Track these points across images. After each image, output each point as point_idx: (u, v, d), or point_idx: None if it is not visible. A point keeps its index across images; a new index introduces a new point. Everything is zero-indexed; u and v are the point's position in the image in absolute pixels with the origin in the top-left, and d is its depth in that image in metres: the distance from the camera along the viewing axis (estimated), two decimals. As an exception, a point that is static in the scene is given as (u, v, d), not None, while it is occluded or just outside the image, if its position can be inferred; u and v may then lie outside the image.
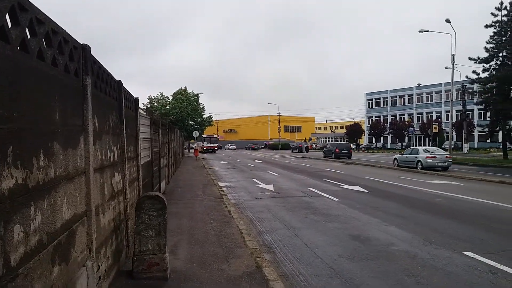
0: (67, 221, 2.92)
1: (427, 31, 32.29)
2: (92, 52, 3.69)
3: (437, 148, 28.96)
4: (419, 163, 23.86)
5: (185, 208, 10.64)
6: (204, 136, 61.35)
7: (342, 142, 57.79)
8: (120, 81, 5.41)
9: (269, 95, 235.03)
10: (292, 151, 69.33)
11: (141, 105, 9.07)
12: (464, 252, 6.64)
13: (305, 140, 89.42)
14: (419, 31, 32.47)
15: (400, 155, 27.42)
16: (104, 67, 4.44)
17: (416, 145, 66.58)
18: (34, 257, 2.29)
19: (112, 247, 4.71)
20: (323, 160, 37.71)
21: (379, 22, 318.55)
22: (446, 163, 23.46)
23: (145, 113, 9.60)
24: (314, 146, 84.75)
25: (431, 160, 23.40)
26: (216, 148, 64.58)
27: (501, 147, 32.45)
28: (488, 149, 55.32)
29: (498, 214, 10.00)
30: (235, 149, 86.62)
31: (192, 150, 55.51)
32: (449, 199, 12.58)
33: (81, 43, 3.43)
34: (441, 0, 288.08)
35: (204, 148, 60.79)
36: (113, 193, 4.80)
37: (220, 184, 17.01)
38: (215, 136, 68.80)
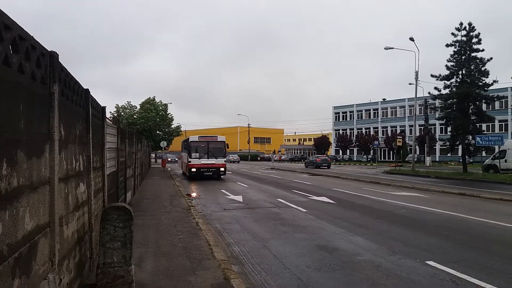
0: (29, 232, 2.82)
1: (392, 48, 33.50)
2: (60, 60, 3.63)
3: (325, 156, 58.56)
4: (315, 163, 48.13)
5: (152, 219, 10.45)
6: (192, 138, 27.52)
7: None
8: (87, 89, 5.31)
9: (239, 107, 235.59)
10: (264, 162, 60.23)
11: (108, 114, 8.96)
12: (427, 262, 6.86)
13: (274, 152, 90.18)
14: (385, 48, 33.66)
15: (307, 161, 52.44)
16: (72, 75, 4.36)
17: (380, 158, 69.31)
18: (-6, 269, 2.20)
19: (76, 259, 4.57)
20: (291, 172, 38.04)
21: (346, 39, 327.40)
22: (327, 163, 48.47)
23: (112, 123, 9.43)
24: (283, 157, 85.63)
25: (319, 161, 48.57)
26: (223, 169, 26.79)
27: (461, 160, 33.78)
28: (449, 162, 57.49)
29: (457, 225, 10.39)
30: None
31: (159, 161, 54.51)
32: (412, 210, 12.97)
33: (49, 50, 3.36)
34: (406, 19, 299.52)
35: (193, 170, 26.02)
36: (77, 203, 4.67)
37: (188, 195, 16.84)
38: (220, 138, 27.77)
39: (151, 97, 51.56)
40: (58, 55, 3.53)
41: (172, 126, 53.13)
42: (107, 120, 7.77)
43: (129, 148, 12.81)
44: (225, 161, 27.14)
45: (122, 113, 50.29)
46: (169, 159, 65.33)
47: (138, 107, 51.74)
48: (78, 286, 4.73)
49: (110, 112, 48.55)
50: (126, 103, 53.33)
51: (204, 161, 26.05)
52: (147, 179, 25.72)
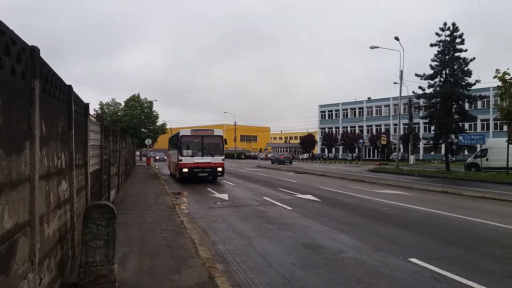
0: (8, 231, 2.76)
1: (378, 47, 33.78)
2: (41, 55, 3.55)
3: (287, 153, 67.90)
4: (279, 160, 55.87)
5: (136, 218, 10.35)
6: (183, 132, 22.65)
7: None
8: (70, 85, 5.22)
9: (225, 105, 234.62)
10: None
11: (91, 111, 8.85)
12: (409, 259, 6.94)
13: (260, 150, 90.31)
14: (370, 47, 33.92)
15: (273, 158, 60.39)
16: (54, 70, 4.28)
17: (365, 157, 69.99)
18: (-30, 269, 2.14)
19: (57, 258, 4.49)
20: (277, 170, 38.13)
21: (333, 38, 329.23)
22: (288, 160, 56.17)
23: (95, 119, 9.30)
24: (269, 155, 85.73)
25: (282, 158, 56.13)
26: (220, 169, 22.49)
27: (444, 159, 34.28)
28: (432, 161, 58.32)
29: (440, 222, 10.55)
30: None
31: (144, 159, 53.90)
32: (396, 208, 13.12)
33: (30, 44, 3.29)
34: (391, 19, 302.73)
35: (185, 171, 21.77)
36: (59, 202, 4.59)
37: (173, 193, 16.73)
38: (217, 132, 23.20)
39: (136, 94, 51.09)
40: (39, 49, 3.46)
41: (158, 124, 52.71)
42: (90, 117, 7.66)
43: (113, 145, 12.66)
44: (223, 160, 22.55)
45: (106, 110, 49.67)
46: (157, 157, 62.18)
47: (123, 104, 51.20)
48: (60, 286, 4.66)
49: (94, 109, 47.99)
50: (111, 100, 52.64)
51: (198, 159, 21.72)
52: (131, 177, 25.47)
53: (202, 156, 21.85)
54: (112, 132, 12.32)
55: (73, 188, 5.34)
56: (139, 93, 51.38)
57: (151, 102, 52.04)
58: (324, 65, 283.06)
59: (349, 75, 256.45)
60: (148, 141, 45.34)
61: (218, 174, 22.29)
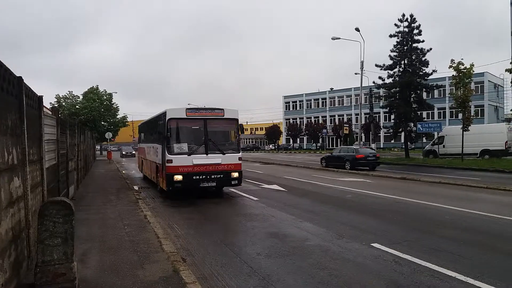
0: (-49, 232, 2.58)
1: (339, 38, 34.23)
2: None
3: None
4: None
5: (97, 214, 10.04)
6: (173, 113, 12.94)
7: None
8: (20, 77, 4.94)
9: (190, 97, 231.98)
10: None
11: (47, 105, 8.47)
12: (372, 244, 7.12)
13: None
14: (332, 38, 34.32)
15: None
16: (1, 61, 4.02)
17: (329, 146, 71.54)
18: None
19: (11, 258, 4.27)
20: (244, 161, 38.05)
21: (295, 30, 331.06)
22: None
23: (51, 113, 8.91)
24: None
25: None
26: (236, 174, 13.25)
27: (403, 147, 35.43)
28: (392, 149, 60.23)
29: (400, 208, 10.91)
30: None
31: (105, 153, 52.16)
32: (358, 195, 13.44)
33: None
34: (352, 10, 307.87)
35: (178, 179, 12.44)
36: (11, 199, 4.35)
37: (136, 188, 16.36)
38: (228, 113, 13.47)
39: (94, 86, 49.45)
40: (-19, 37, 3.23)
41: (118, 117, 51.34)
42: (45, 110, 7.33)
43: (70, 139, 12.20)
44: (240, 159, 13.75)
45: (63, 104, 47.89)
46: (123, 152, 53.61)
47: (81, 97, 49.50)
48: (15, 287, 4.45)
49: (50, 103, 46.12)
50: (68, 93, 50.72)
51: (199, 159, 12.84)
52: (91, 171, 24.72)
53: (207, 154, 13.02)
54: (69, 126, 11.86)
55: (27, 184, 5.08)
56: (97, 85, 49.81)
57: (110, 94, 50.57)
58: (289, 58, 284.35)
59: (312, 67, 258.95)
60: (108, 135, 44.09)
61: (233, 182, 13.52)
